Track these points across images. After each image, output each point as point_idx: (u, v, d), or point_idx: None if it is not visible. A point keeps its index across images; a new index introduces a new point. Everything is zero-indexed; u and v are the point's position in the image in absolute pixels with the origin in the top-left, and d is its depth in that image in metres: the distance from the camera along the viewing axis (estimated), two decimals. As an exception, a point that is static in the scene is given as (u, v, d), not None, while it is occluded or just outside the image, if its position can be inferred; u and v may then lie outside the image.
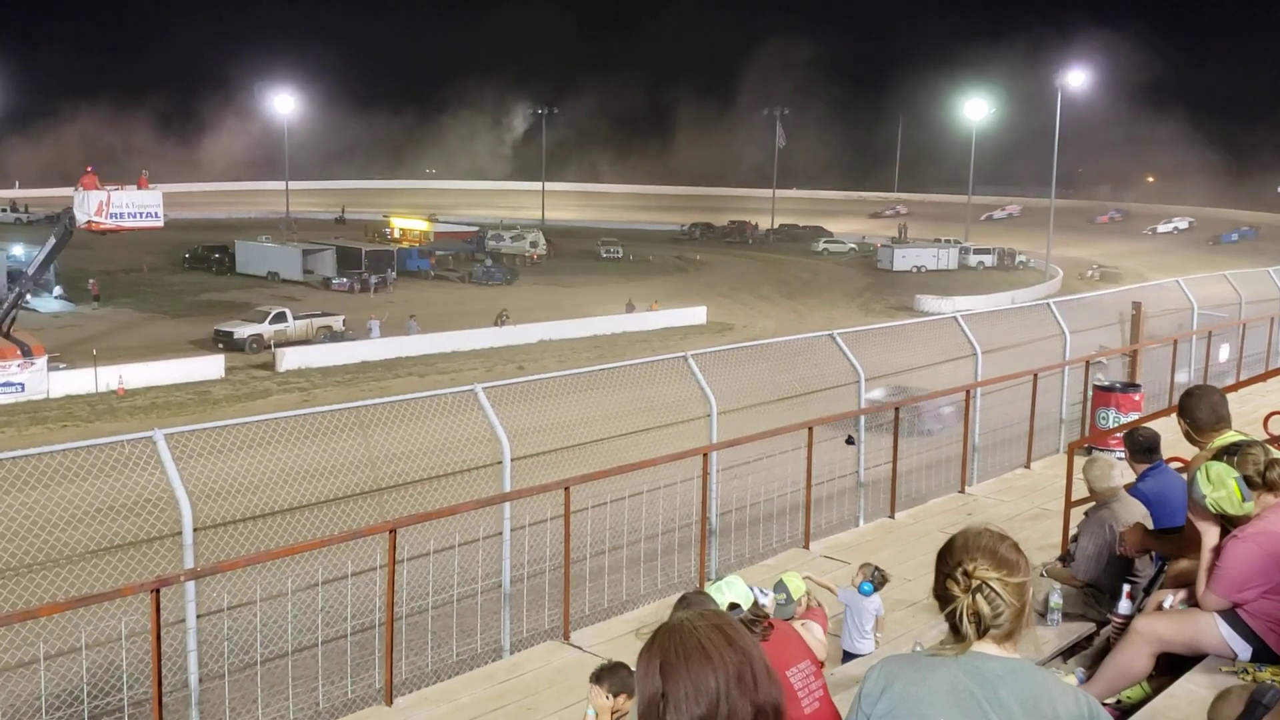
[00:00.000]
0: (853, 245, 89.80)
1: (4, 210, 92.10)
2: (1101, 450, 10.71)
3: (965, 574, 2.75)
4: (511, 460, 9.28)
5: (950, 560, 2.79)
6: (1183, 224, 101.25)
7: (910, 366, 15.05)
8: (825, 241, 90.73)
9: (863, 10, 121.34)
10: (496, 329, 47.56)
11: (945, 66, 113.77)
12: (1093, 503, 7.02)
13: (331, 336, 44.43)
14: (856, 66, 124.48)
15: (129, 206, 34.58)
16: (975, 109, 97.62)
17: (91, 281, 53.14)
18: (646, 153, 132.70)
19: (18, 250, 51.18)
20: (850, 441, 11.99)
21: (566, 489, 8.81)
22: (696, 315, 54.30)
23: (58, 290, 50.38)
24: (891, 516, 11.65)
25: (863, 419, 12.20)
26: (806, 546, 10.61)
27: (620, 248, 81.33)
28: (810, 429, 10.65)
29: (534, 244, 78.46)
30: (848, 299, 64.47)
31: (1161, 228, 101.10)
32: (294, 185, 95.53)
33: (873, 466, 12.28)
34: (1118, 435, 9.52)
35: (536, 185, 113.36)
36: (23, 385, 33.45)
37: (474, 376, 38.34)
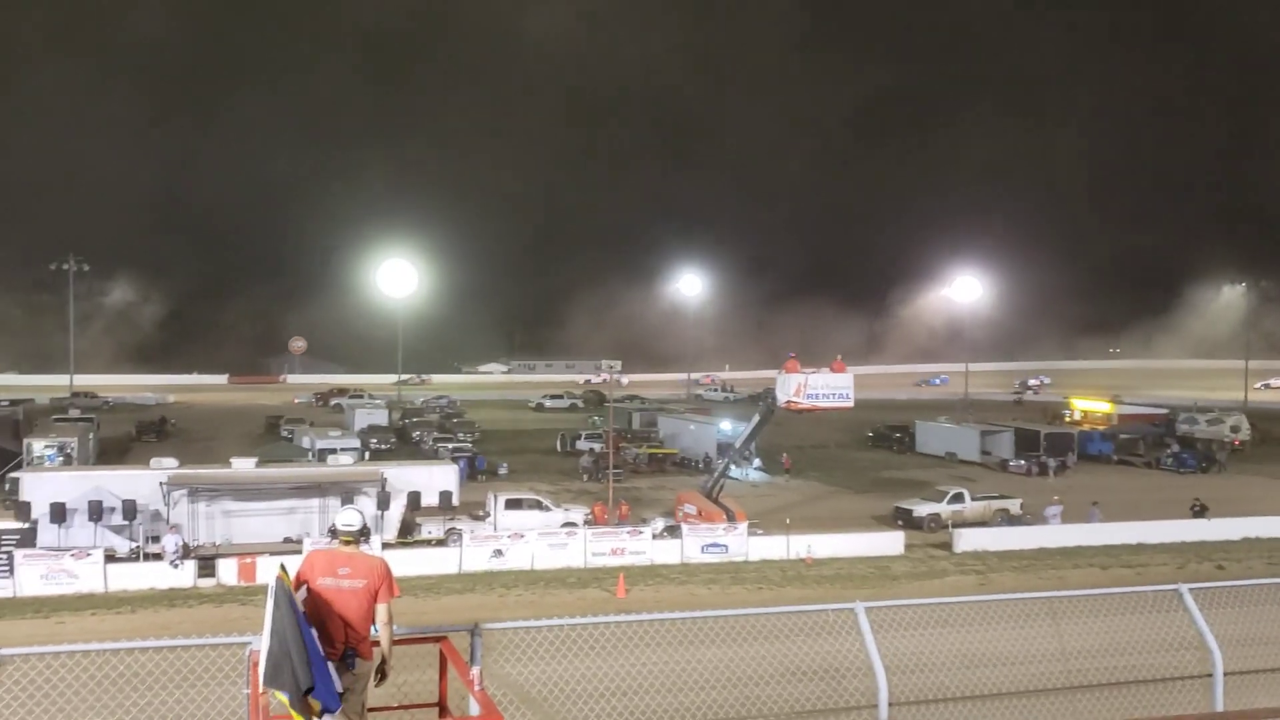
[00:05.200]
0: None
1: (715, 389, 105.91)
2: None
3: None
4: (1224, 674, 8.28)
5: None
6: None
7: None
8: None
9: None
10: (1190, 522, 43.18)
11: None
12: None
13: (1008, 520, 43.72)
14: None
15: (824, 388, 37.71)
16: None
17: (784, 456, 58.31)
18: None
19: (726, 425, 58.16)
20: None
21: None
22: None
23: (757, 462, 55.94)
24: None
25: None
26: None
27: (1354, 435, 69.91)
28: None
29: (1235, 428, 70.56)
30: None
31: None
32: (973, 367, 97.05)
33: None
34: None
35: (1235, 364, 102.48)
36: (727, 546, 37.46)
37: (1163, 573, 35.01)
